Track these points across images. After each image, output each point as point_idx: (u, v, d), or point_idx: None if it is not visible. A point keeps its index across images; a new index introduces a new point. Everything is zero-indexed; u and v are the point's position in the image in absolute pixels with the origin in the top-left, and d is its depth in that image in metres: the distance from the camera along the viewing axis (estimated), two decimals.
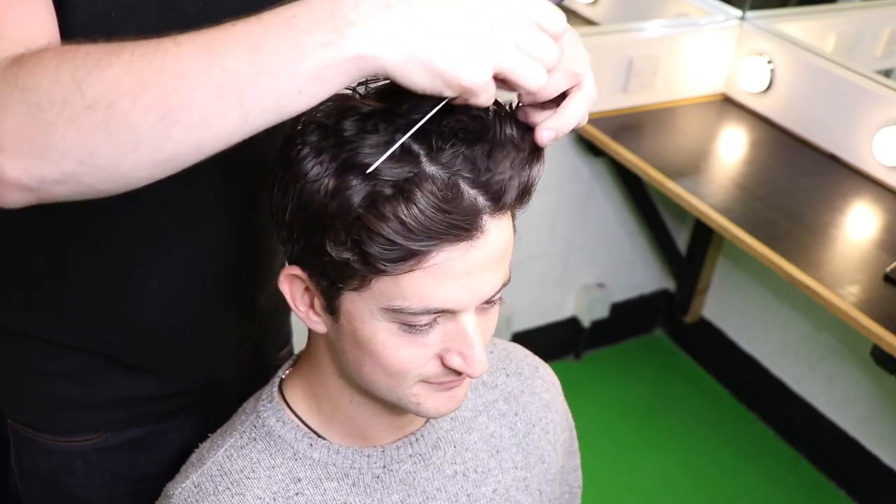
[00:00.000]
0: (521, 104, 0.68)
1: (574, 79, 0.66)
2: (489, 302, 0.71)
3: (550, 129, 0.66)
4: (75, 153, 0.55)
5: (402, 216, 0.63)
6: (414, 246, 0.64)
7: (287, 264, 0.74)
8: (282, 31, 0.54)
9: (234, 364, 1.01)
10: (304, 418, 0.82)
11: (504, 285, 0.71)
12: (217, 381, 0.99)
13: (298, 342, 0.88)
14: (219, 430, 0.85)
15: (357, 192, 0.64)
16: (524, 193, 0.68)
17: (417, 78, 0.56)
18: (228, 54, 0.54)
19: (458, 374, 0.72)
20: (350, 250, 0.65)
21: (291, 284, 0.74)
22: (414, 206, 0.63)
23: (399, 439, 0.84)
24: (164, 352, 0.93)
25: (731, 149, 2.16)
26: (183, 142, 0.55)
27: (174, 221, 0.85)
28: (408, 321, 0.68)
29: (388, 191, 0.63)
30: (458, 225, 0.64)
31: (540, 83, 0.59)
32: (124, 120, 0.54)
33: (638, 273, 2.66)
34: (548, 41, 0.59)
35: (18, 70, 0.56)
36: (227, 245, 0.90)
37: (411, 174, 0.63)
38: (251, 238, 0.93)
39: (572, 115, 0.66)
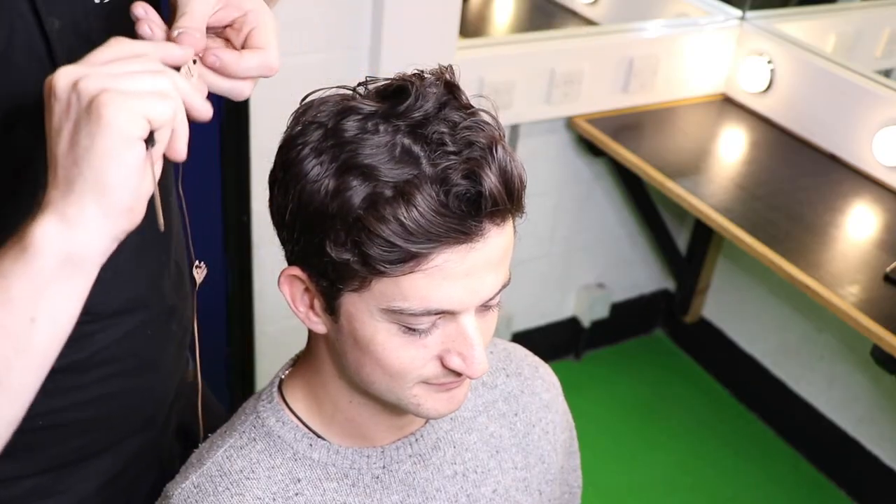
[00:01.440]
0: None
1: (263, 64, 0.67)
2: (489, 304, 0.71)
3: (218, 58, 0.66)
4: None
5: (402, 218, 0.63)
6: (413, 248, 0.64)
7: (287, 265, 0.74)
8: None
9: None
10: (303, 419, 0.82)
11: (504, 286, 0.71)
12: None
13: (298, 343, 0.87)
14: (218, 431, 0.85)
15: (357, 193, 0.64)
16: (520, 196, 0.68)
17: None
18: None
19: (458, 375, 0.72)
20: (350, 251, 0.65)
21: (291, 285, 0.74)
22: (414, 209, 0.63)
23: (399, 440, 0.84)
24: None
25: (731, 149, 2.16)
26: None
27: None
28: (408, 322, 0.68)
29: (388, 192, 0.63)
30: (458, 228, 0.64)
31: (201, 109, 0.61)
32: None
33: (638, 273, 2.66)
34: (144, 77, 0.57)
35: None
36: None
37: (411, 176, 0.63)
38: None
39: (245, 68, 0.67)
